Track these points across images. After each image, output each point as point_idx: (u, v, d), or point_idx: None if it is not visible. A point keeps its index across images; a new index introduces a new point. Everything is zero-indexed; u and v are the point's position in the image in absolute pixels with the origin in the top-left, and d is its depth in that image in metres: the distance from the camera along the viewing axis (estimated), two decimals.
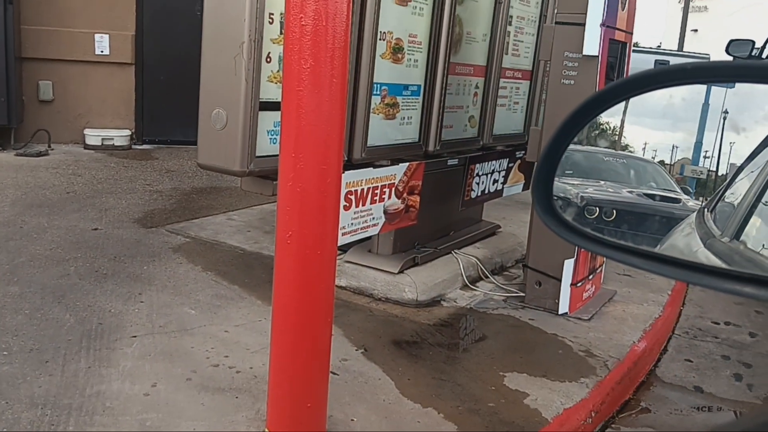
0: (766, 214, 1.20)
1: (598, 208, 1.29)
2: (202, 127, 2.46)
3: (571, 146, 1.26)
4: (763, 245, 1.13)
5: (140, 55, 6.74)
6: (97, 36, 6.50)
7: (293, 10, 1.80)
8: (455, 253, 3.89)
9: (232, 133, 2.37)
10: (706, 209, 1.35)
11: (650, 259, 1.01)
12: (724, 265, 1.09)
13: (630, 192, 1.51)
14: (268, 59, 2.40)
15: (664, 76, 0.92)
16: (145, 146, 6.96)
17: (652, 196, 1.47)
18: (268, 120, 2.44)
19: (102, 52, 6.56)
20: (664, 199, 1.40)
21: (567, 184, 1.34)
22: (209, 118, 2.42)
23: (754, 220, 1.21)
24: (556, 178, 1.24)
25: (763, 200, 1.21)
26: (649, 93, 1.00)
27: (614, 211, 1.32)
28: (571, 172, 1.40)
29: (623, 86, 1.03)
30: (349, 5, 1.85)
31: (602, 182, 1.45)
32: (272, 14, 2.36)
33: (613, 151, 1.32)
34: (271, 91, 2.42)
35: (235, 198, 5.13)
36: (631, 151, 1.36)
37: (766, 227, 1.21)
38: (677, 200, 1.31)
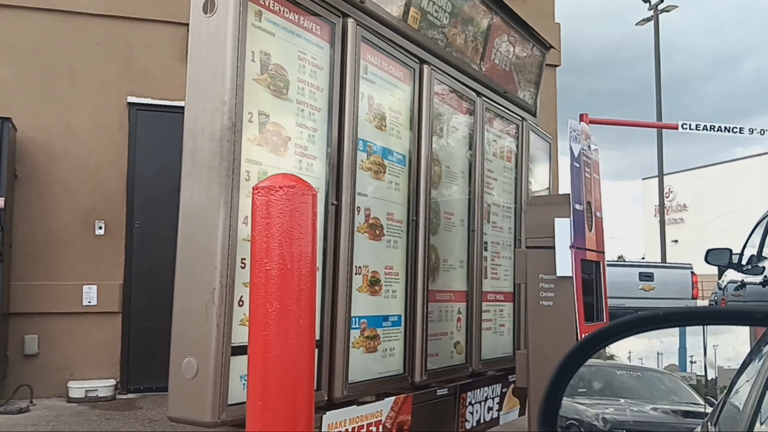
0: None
1: (625, 431, 1.19)
2: (173, 378, 2.38)
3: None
4: None
5: (127, 304, 6.79)
6: (85, 287, 6.59)
7: (258, 255, 1.82)
8: None
9: (202, 381, 2.29)
10: (708, 422, 1.27)
11: None
12: None
13: (654, 410, 1.39)
14: (240, 303, 2.40)
15: (641, 322, 0.93)
16: (130, 395, 6.74)
17: (678, 413, 1.35)
18: (241, 365, 2.36)
19: (89, 302, 6.61)
20: (689, 414, 1.31)
21: (581, 404, 1.24)
22: (180, 367, 2.34)
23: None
24: (568, 398, 1.20)
25: (762, 412, 1.14)
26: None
27: None
28: (584, 390, 1.30)
29: (603, 335, 1.03)
30: (314, 247, 1.88)
31: (621, 400, 1.35)
32: (244, 259, 2.39)
33: (627, 364, 1.25)
34: (243, 335, 2.38)
35: None
36: (640, 364, 1.29)
37: None
38: (704, 414, 1.23)
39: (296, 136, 2.77)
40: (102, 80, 6.64)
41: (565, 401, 1.26)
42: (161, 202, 6.49)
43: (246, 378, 2.41)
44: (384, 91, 3.40)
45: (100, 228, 6.69)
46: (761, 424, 1.13)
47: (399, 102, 3.53)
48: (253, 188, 1.86)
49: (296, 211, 1.82)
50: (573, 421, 1.27)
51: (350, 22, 3.05)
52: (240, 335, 2.37)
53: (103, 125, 6.65)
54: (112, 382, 6.62)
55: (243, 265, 2.40)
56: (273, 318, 1.78)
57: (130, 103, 6.76)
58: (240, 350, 2.35)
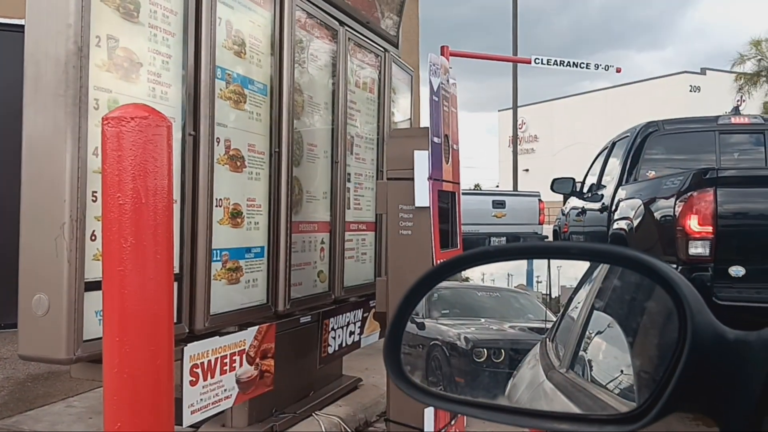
0: (591, 345, 1.25)
1: (485, 350, 1.26)
2: (22, 315, 2.28)
3: (441, 284, 1.28)
4: (592, 377, 1.16)
5: None
6: None
7: (110, 189, 1.76)
8: (316, 415, 3.75)
9: (55, 318, 2.21)
10: (547, 338, 1.39)
11: (485, 408, 1.03)
12: (527, 407, 1.13)
13: (512, 328, 1.46)
14: (93, 238, 2.31)
15: (471, 258, 1.01)
16: None
17: (534, 330, 1.43)
18: (96, 300, 2.30)
19: None
20: (543, 331, 1.39)
21: (444, 325, 1.31)
22: (30, 305, 2.25)
23: (584, 350, 1.26)
24: (434, 320, 1.24)
25: (588, 332, 1.26)
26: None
27: (502, 351, 1.30)
28: (447, 311, 1.37)
29: (440, 270, 1.10)
30: (170, 180, 1.84)
31: (482, 320, 1.41)
32: (95, 192, 2.29)
33: (486, 285, 1.31)
34: (98, 270, 2.30)
35: (75, 381, 4.71)
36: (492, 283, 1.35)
37: (593, 357, 1.25)
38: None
39: (149, 62, 2.64)
40: None
41: (429, 323, 1.34)
42: (4, 131, 5.98)
43: (102, 314, 2.36)
44: (243, 17, 3.29)
45: None
46: (589, 335, 1.26)
47: (259, 29, 3.43)
48: (102, 119, 1.77)
49: (150, 143, 1.76)
50: (437, 342, 1.35)
51: None
52: (93, 271, 2.30)
53: None
54: None
55: (95, 199, 2.31)
56: (128, 253, 1.74)
57: None
58: (94, 286, 2.28)
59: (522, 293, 1.33)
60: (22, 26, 2.33)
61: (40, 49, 2.26)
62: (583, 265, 1.26)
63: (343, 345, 4.26)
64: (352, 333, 4.38)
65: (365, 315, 4.53)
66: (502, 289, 1.32)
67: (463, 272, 1.28)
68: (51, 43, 2.24)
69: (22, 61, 2.30)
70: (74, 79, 2.24)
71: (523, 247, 0.91)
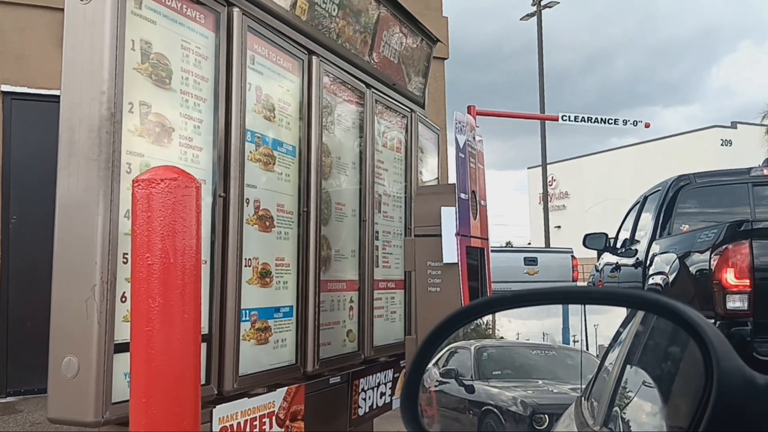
0: (625, 400, 1.21)
1: (546, 416, 1.16)
2: (52, 378, 2.29)
3: (488, 342, 1.22)
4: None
5: (4, 303, 6.42)
6: None
7: (139, 249, 1.79)
8: None
9: (84, 380, 2.21)
10: (582, 397, 1.35)
11: None
12: None
13: (573, 390, 1.34)
14: (123, 299, 2.33)
15: (494, 303, 1.00)
16: (9, 399, 6.38)
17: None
18: (126, 362, 2.30)
19: None
20: None
21: (496, 388, 1.20)
22: (60, 366, 2.26)
23: (617, 406, 1.22)
24: (485, 382, 1.17)
25: (621, 387, 1.23)
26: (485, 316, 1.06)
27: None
28: (498, 372, 1.27)
29: (459, 316, 1.08)
30: (199, 240, 1.86)
31: (539, 381, 1.30)
32: (126, 254, 2.33)
33: (542, 343, 1.21)
34: (127, 332, 2.31)
35: None
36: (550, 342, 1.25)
37: (626, 412, 1.21)
38: None
39: (180, 127, 2.71)
40: None
41: (479, 385, 1.27)
42: (39, 196, 6.14)
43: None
44: (272, 82, 3.38)
45: None
46: (623, 390, 1.22)
47: (288, 93, 3.52)
48: (133, 181, 1.82)
49: (179, 203, 1.80)
50: (489, 407, 1.23)
51: (236, 11, 3.01)
52: (123, 332, 2.31)
53: None
54: None
55: (125, 261, 2.34)
56: (156, 313, 1.75)
57: (3, 92, 6.37)
58: (123, 347, 2.29)
59: (579, 351, 1.24)
60: (59, 96, 2.42)
61: (75, 115, 2.34)
62: (618, 322, 1.23)
63: (374, 406, 4.19)
64: (383, 394, 4.31)
65: (396, 375, 4.47)
66: (558, 348, 1.23)
67: (497, 330, 1.24)
68: (85, 108, 2.32)
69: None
70: (107, 143, 2.31)
71: (543, 293, 0.89)
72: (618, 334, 1.30)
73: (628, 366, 1.20)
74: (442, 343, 0.97)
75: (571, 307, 1.22)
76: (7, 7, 6.36)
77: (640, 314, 1.10)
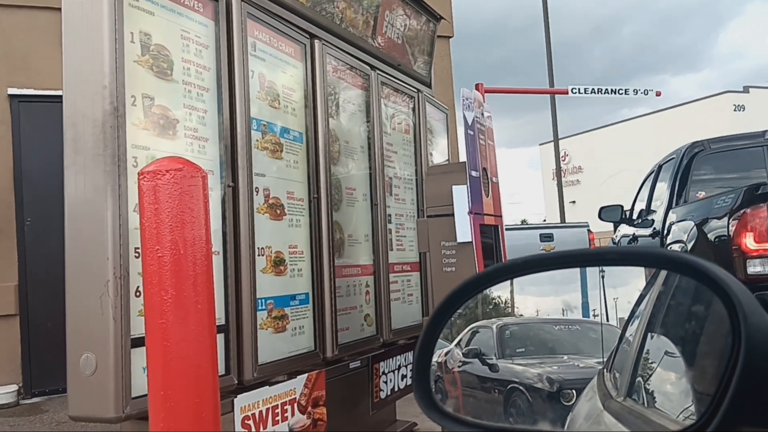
0: (648, 369, 1.18)
1: (573, 391, 1.14)
2: (71, 376, 2.29)
3: (510, 320, 1.20)
4: (649, 402, 1.10)
5: (24, 305, 6.46)
6: None
7: (149, 242, 1.77)
8: None
9: (102, 376, 2.21)
10: (605, 369, 1.32)
11: None
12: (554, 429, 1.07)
13: (599, 363, 1.32)
14: (137, 294, 2.32)
15: (506, 270, 0.96)
16: (34, 399, 6.44)
17: None
18: (143, 357, 2.30)
19: None
20: None
21: (521, 365, 1.18)
22: (78, 364, 2.26)
23: (640, 376, 1.20)
24: (509, 360, 1.16)
25: (643, 356, 1.20)
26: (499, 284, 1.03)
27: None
28: (522, 349, 1.25)
29: (472, 284, 1.05)
30: (208, 230, 1.84)
31: (564, 357, 1.28)
32: (137, 248, 2.31)
33: (563, 318, 1.19)
34: (142, 327, 2.31)
35: None
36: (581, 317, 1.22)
37: (650, 381, 1.18)
38: None
39: (185, 118, 2.69)
40: None
41: (503, 363, 1.24)
42: (52, 197, 6.15)
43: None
44: (275, 68, 3.34)
45: None
46: (645, 359, 1.19)
47: (291, 79, 3.48)
48: (138, 173, 1.80)
49: (186, 194, 1.78)
50: (515, 385, 1.21)
51: None
52: (139, 327, 2.30)
53: None
54: (14, 387, 6.31)
55: (137, 255, 2.33)
56: (169, 305, 1.74)
57: (11, 95, 6.38)
58: (140, 342, 2.28)
59: (603, 324, 1.21)
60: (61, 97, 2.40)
61: (78, 111, 2.32)
62: (636, 296, 1.20)
63: (395, 389, 4.18)
64: (404, 377, 4.30)
65: None
66: (582, 321, 1.21)
67: (515, 308, 1.21)
68: (88, 104, 2.30)
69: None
70: (112, 138, 2.29)
71: (555, 257, 0.85)
72: (638, 303, 1.27)
73: (650, 334, 1.17)
74: (453, 314, 0.94)
75: (589, 280, 1.19)
76: (10, 10, 6.36)
77: (660, 279, 1.07)
